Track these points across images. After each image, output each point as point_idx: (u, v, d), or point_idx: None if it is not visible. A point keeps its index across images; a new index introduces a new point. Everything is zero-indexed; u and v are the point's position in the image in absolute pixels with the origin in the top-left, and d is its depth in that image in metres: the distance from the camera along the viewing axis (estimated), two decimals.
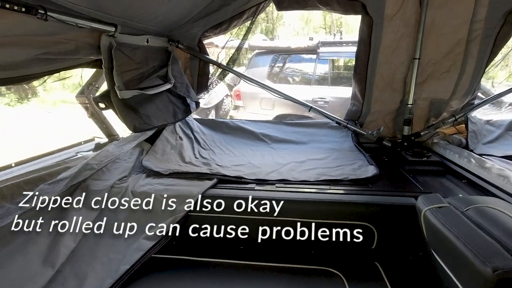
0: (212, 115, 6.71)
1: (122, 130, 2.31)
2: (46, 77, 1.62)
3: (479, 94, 2.53)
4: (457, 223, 1.15)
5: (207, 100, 6.33)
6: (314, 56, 5.51)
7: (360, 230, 1.61)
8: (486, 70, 2.25)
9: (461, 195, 1.72)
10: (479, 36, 2.11)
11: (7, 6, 1.01)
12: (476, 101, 2.48)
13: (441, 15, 2.11)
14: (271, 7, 2.49)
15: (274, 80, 5.60)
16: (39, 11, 1.12)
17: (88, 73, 2.14)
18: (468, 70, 2.22)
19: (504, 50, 2.33)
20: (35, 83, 1.73)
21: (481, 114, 2.75)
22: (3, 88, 8.60)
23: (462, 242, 1.05)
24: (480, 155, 1.99)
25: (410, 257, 1.62)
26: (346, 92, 4.87)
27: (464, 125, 2.43)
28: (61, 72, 1.75)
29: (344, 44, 5.35)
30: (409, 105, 2.33)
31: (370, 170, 1.93)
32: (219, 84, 2.75)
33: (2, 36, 1.15)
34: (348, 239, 1.65)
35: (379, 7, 2.11)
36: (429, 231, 1.30)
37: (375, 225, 1.60)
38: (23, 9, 1.06)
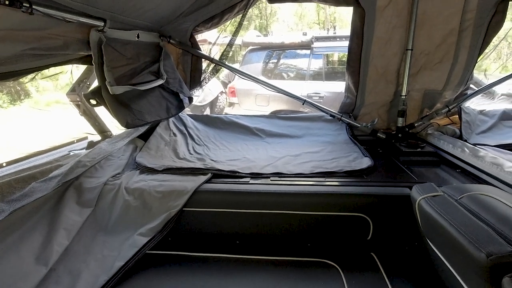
0: (207, 113, 6.70)
1: (115, 127, 2.29)
2: (35, 73, 1.58)
3: (471, 85, 2.54)
4: (451, 211, 1.16)
5: (201, 97, 6.32)
6: (308, 52, 5.50)
7: (356, 221, 1.62)
8: (478, 60, 2.26)
9: (455, 184, 1.73)
10: (471, 26, 2.12)
11: None
12: (469, 92, 2.49)
13: (433, 6, 2.11)
14: (264, 2, 2.47)
15: (269, 76, 5.59)
16: (24, 4, 1.09)
17: (79, 70, 2.11)
18: (460, 60, 2.23)
19: (495, 42, 2.33)
20: (24, 79, 1.70)
21: (475, 104, 2.76)
22: None
23: (456, 229, 1.06)
24: (474, 144, 2.00)
25: (406, 247, 1.63)
26: (340, 86, 4.83)
27: (457, 116, 2.44)
28: (51, 69, 1.72)
29: (338, 39, 5.35)
30: (402, 97, 2.33)
31: (365, 162, 1.94)
32: (212, 79, 2.73)
33: None
34: (344, 231, 1.65)
35: None
36: (423, 220, 1.30)
37: (371, 216, 1.61)
38: (7, 2, 1.03)
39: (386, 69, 2.36)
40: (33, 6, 1.13)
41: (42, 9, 1.18)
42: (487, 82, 2.68)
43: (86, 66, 2.03)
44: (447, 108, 2.40)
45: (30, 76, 1.57)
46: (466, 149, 1.94)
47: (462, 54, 2.21)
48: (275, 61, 5.81)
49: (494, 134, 2.37)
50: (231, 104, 5.95)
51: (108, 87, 1.69)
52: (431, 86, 2.39)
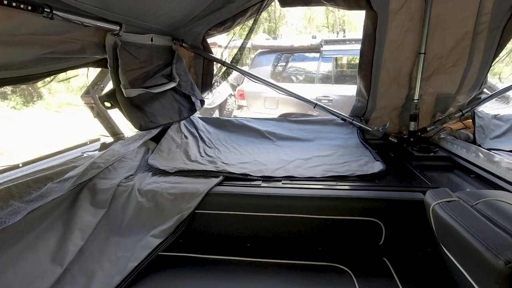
0: (216, 115, 6.73)
1: (127, 129, 2.32)
2: (52, 77, 1.62)
3: (484, 90, 2.51)
4: (467, 217, 1.14)
5: (210, 100, 6.35)
6: (317, 55, 5.50)
7: (368, 226, 1.60)
8: (492, 63, 2.23)
9: (469, 189, 1.70)
10: (486, 29, 2.09)
11: (14, 4, 1.01)
12: (483, 96, 2.45)
13: (447, 9, 2.09)
14: (274, 6, 2.48)
15: (278, 79, 5.60)
16: (45, 9, 1.12)
17: (93, 73, 2.15)
18: (475, 63, 2.20)
19: (509, 46, 2.30)
20: (39, 84, 1.73)
21: (488, 108, 2.72)
22: (8, 92, 8.70)
23: (473, 236, 1.04)
24: (488, 149, 1.97)
25: (419, 252, 1.61)
26: (350, 90, 4.86)
27: (471, 120, 2.40)
28: (67, 72, 1.76)
29: (347, 42, 5.33)
30: (415, 101, 2.31)
31: (377, 166, 1.92)
32: (223, 82, 2.75)
33: (10, 35, 1.16)
34: (356, 235, 1.64)
35: (384, 1, 2.10)
36: (438, 225, 1.29)
37: (383, 220, 1.59)
38: (29, 8, 1.06)
39: (398, 72, 2.34)
40: (54, 11, 1.16)
41: (62, 14, 1.21)
42: (501, 86, 2.64)
43: (100, 69, 2.07)
44: (461, 112, 2.37)
45: (47, 79, 1.60)
46: (480, 154, 1.91)
47: (476, 58, 2.18)
48: (284, 64, 5.82)
49: (509, 139, 2.33)
50: (240, 107, 5.98)
51: (123, 89, 1.71)
52: (444, 90, 2.36)
